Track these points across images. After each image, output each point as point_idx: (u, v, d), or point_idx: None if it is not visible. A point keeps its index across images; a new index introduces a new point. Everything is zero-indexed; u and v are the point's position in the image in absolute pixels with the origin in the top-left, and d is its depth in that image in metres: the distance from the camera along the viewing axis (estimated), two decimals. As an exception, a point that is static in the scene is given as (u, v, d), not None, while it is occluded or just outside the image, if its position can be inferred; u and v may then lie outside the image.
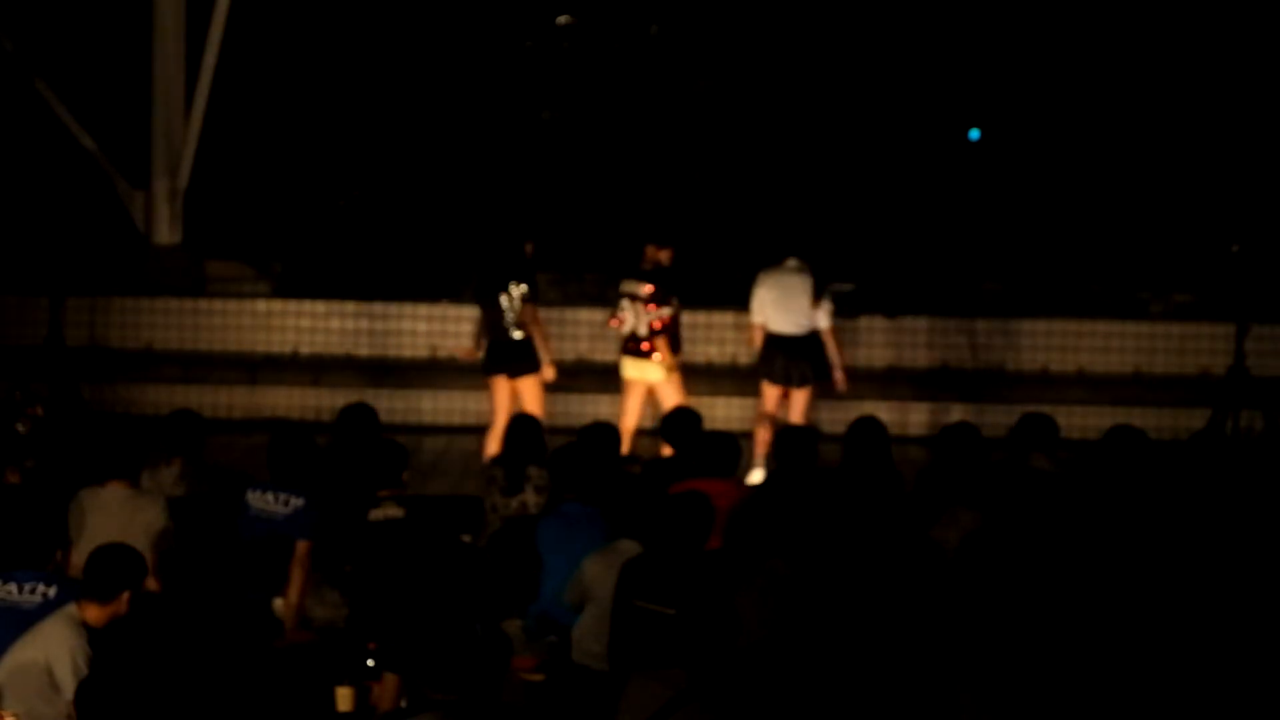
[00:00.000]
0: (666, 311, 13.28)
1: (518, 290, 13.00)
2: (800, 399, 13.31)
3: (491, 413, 13.23)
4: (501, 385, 13.13)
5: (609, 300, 15.90)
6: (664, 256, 13.41)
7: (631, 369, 13.45)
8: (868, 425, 10.11)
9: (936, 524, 8.64)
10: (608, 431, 10.45)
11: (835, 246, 17.14)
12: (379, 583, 8.47)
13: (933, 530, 8.57)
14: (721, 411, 14.69)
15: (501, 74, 18.83)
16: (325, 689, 7.52)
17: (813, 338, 13.33)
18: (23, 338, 15.43)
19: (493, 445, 13.05)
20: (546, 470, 9.96)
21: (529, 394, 12.93)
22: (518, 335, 13.04)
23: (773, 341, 13.37)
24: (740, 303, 14.54)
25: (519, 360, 13.06)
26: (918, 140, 18.67)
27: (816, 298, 13.25)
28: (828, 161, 18.51)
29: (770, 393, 13.40)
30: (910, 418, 15.23)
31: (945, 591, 7.38)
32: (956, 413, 14.88)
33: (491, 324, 13.12)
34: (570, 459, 9.42)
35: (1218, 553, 8.42)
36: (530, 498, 10.00)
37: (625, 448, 12.48)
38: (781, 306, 13.32)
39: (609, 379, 15.37)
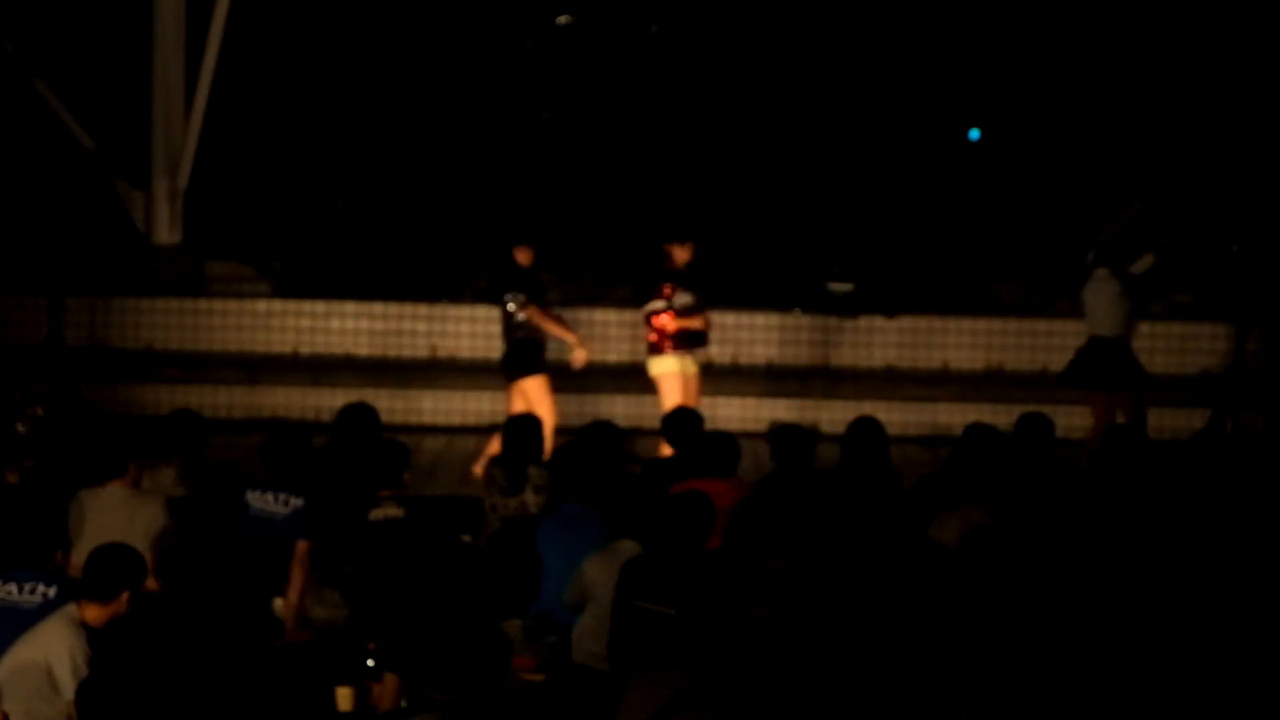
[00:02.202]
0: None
1: (514, 299, 13.10)
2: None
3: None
4: (514, 389, 13.25)
5: (609, 300, 15.95)
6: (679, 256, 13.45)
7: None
8: (866, 425, 10.11)
9: (934, 523, 8.64)
10: (608, 431, 10.45)
11: (835, 246, 17.18)
12: (379, 583, 8.47)
13: (931, 529, 8.58)
14: (722, 411, 14.70)
15: (501, 74, 18.83)
16: (325, 689, 7.53)
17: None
18: (23, 338, 15.44)
19: (493, 446, 13.11)
20: (546, 470, 9.97)
21: (532, 395, 12.97)
22: (518, 335, 13.14)
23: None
24: (739, 303, 14.57)
25: (515, 364, 13.16)
26: (918, 140, 18.68)
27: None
28: (828, 161, 18.51)
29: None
30: (910, 418, 15.22)
31: (944, 590, 7.38)
32: (955, 413, 14.90)
33: (503, 328, 13.31)
34: (570, 459, 9.42)
35: (1218, 552, 8.42)
36: (530, 498, 10.01)
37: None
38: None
39: (608, 379, 15.39)
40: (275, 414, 15.15)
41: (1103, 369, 13.36)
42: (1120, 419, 13.17)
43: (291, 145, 18.17)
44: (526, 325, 13.19)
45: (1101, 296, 13.38)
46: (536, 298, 13.31)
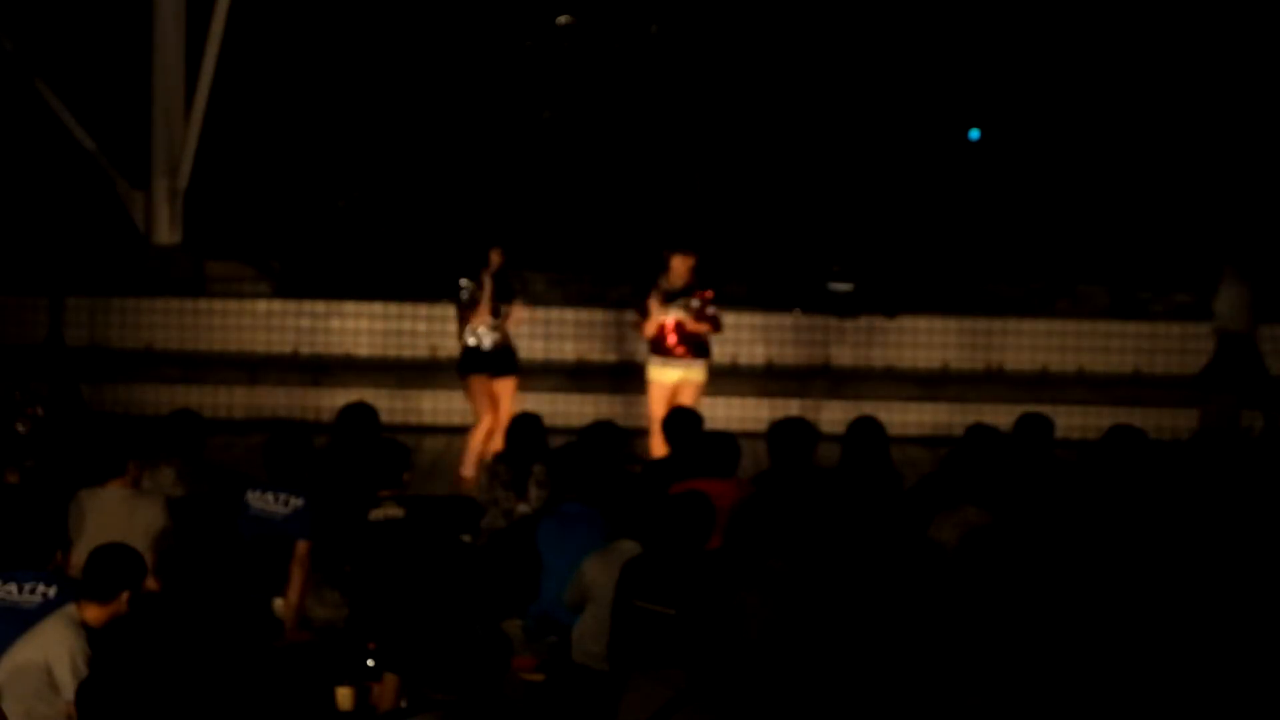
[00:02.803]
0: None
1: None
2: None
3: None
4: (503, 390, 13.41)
5: (608, 301, 15.94)
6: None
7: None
8: (865, 425, 10.09)
9: (934, 524, 8.64)
10: (609, 431, 10.44)
11: (835, 246, 17.17)
12: (379, 583, 8.47)
13: (930, 529, 8.57)
14: (722, 411, 14.69)
15: (501, 74, 18.83)
16: (325, 689, 7.53)
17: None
18: (23, 338, 15.43)
19: (473, 445, 13.33)
20: (547, 467, 9.98)
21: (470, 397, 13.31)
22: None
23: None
24: (740, 303, 14.54)
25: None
26: (918, 140, 18.67)
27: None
28: (828, 161, 18.51)
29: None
30: (910, 418, 15.22)
31: (944, 590, 7.38)
32: (955, 412, 14.90)
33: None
34: (571, 459, 9.41)
35: (1218, 552, 8.42)
36: (533, 493, 10.04)
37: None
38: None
39: (607, 379, 15.40)
40: (275, 414, 15.15)
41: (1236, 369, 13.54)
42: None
43: (291, 145, 18.16)
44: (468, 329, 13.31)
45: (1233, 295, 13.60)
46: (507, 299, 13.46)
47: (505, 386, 13.35)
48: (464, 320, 13.28)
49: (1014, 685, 6.70)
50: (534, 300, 13.80)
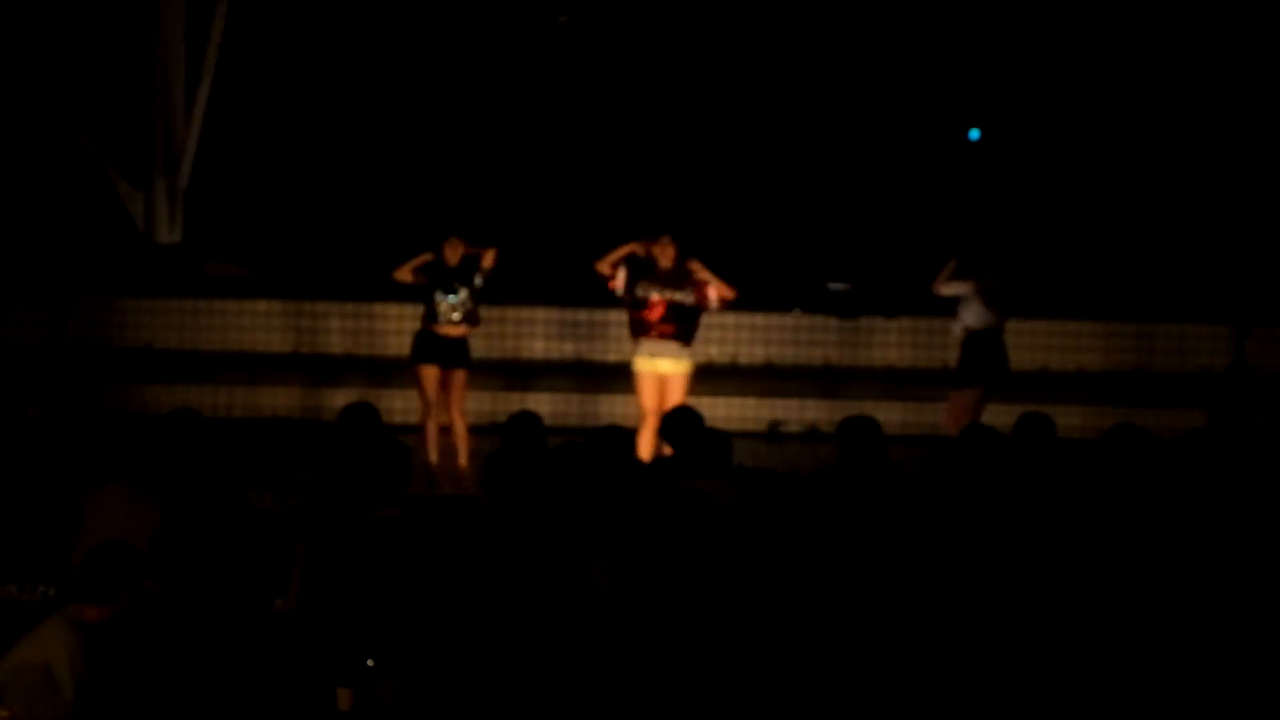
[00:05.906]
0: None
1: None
2: None
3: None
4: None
5: (608, 300, 15.93)
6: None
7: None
8: (860, 424, 10.03)
9: (935, 522, 8.64)
10: (618, 435, 10.41)
11: (835, 246, 17.18)
12: (379, 582, 8.47)
13: (930, 528, 8.58)
14: (722, 411, 14.70)
15: (500, 73, 18.84)
16: (325, 689, 7.53)
17: None
18: (23, 338, 15.44)
19: (431, 433, 13.53)
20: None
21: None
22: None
23: None
24: (739, 303, 14.47)
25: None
26: (918, 140, 18.68)
27: None
28: (827, 161, 18.52)
29: None
30: (910, 418, 15.22)
31: (942, 590, 7.38)
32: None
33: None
34: (578, 460, 9.38)
35: (1218, 552, 8.42)
36: None
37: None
38: None
39: (608, 378, 15.40)
40: (275, 414, 15.15)
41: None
42: None
43: (292, 145, 18.17)
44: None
45: None
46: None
47: (455, 379, 13.39)
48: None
49: (1012, 684, 6.71)
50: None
